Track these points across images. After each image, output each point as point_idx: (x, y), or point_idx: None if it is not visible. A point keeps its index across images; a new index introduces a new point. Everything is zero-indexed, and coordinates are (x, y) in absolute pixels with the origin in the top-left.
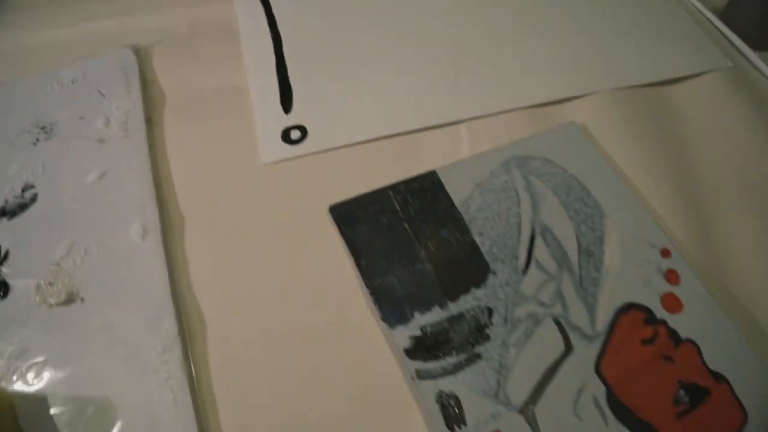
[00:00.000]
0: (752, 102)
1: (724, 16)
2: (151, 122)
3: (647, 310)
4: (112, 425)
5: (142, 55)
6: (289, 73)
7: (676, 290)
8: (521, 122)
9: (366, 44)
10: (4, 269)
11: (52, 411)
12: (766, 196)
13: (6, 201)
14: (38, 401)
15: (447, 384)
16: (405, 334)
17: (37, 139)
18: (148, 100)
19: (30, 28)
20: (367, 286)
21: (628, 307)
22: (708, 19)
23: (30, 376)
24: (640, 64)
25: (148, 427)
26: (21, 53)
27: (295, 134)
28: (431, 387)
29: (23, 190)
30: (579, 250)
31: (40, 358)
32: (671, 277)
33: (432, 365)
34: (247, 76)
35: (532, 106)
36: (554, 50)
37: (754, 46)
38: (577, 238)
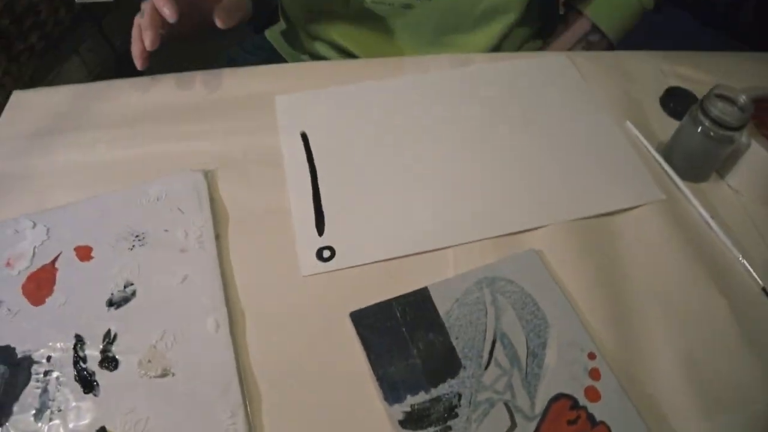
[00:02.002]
0: (679, 229)
1: (665, 152)
2: (219, 237)
3: (573, 399)
4: None
5: (209, 178)
6: (322, 202)
7: (597, 384)
8: (493, 248)
9: (382, 181)
10: (114, 348)
11: None
12: (680, 315)
13: (112, 294)
14: None
15: None
16: (399, 410)
17: (133, 245)
18: (215, 217)
19: (115, 145)
20: (375, 374)
21: (559, 396)
22: (652, 155)
23: (138, 428)
24: (590, 198)
25: None
26: (108, 166)
27: (326, 253)
28: None
29: (125, 286)
30: (527, 353)
31: (144, 416)
32: (594, 374)
33: None
34: (290, 200)
35: (502, 236)
36: (522, 188)
37: (685, 178)
38: (526, 343)
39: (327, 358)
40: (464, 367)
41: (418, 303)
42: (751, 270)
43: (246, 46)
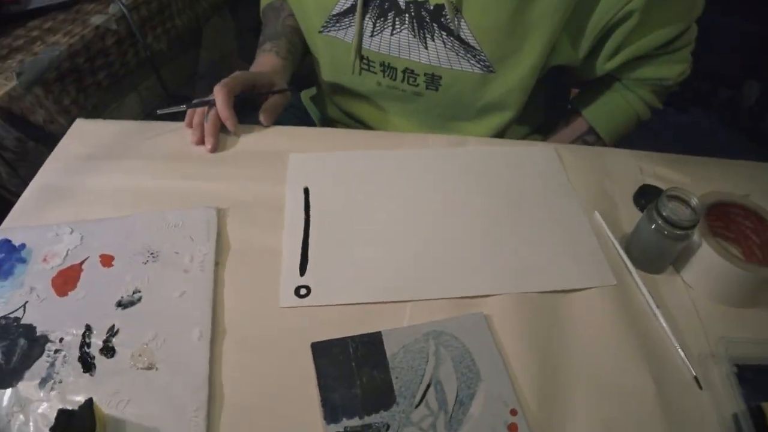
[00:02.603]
0: (624, 313)
1: (626, 243)
2: (218, 264)
3: None
4: None
5: (220, 215)
6: (309, 248)
7: None
8: (448, 307)
9: (363, 236)
10: (114, 339)
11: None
12: (607, 390)
13: (122, 297)
14: (119, 424)
15: None
16: (334, 429)
17: (147, 260)
18: (219, 247)
19: (149, 176)
20: (321, 396)
21: None
22: (613, 245)
23: (119, 407)
24: (545, 274)
25: None
26: (140, 192)
27: (303, 291)
28: None
29: (134, 292)
30: (456, 400)
31: (126, 398)
32: (512, 428)
33: None
34: (282, 242)
35: (458, 297)
36: (484, 258)
37: (639, 267)
38: (457, 391)
39: (286, 377)
40: (397, 403)
41: (370, 343)
42: (686, 359)
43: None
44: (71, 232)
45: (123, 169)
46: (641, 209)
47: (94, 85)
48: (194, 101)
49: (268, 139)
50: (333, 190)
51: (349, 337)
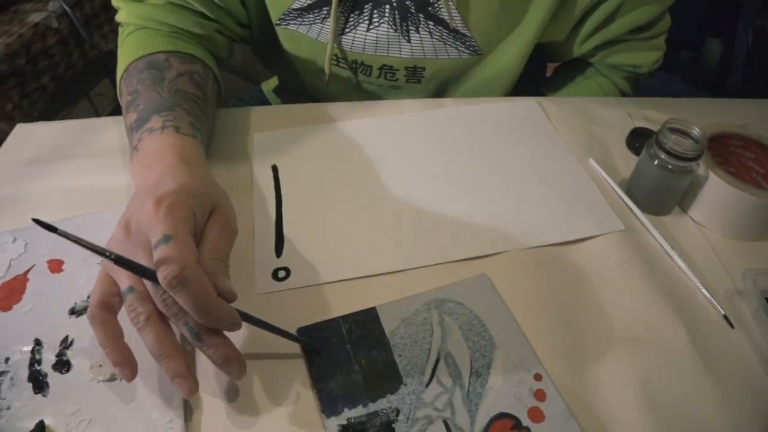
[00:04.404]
0: (638, 259)
1: (627, 187)
2: None
3: (515, 419)
4: None
5: None
6: (284, 227)
7: (541, 405)
8: (446, 272)
9: (343, 209)
10: (69, 352)
11: None
12: (637, 342)
13: (75, 303)
14: None
15: None
16: (335, 423)
17: (102, 261)
18: None
19: (100, 174)
20: (314, 387)
21: (501, 416)
22: (614, 190)
23: (80, 428)
24: (547, 228)
25: None
26: (92, 192)
27: (281, 273)
28: None
29: (88, 296)
30: (471, 372)
31: (87, 416)
32: (539, 395)
33: None
34: (254, 224)
35: (456, 261)
36: (479, 218)
37: (644, 210)
38: (470, 362)
39: (273, 372)
40: (405, 384)
41: (365, 321)
42: (712, 299)
43: (244, 97)
44: (14, 240)
45: (74, 170)
46: (636, 152)
47: (39, 89)
48: (112, 255)
49: (229, 122)
50: (304, 165)
51: (340, 317)
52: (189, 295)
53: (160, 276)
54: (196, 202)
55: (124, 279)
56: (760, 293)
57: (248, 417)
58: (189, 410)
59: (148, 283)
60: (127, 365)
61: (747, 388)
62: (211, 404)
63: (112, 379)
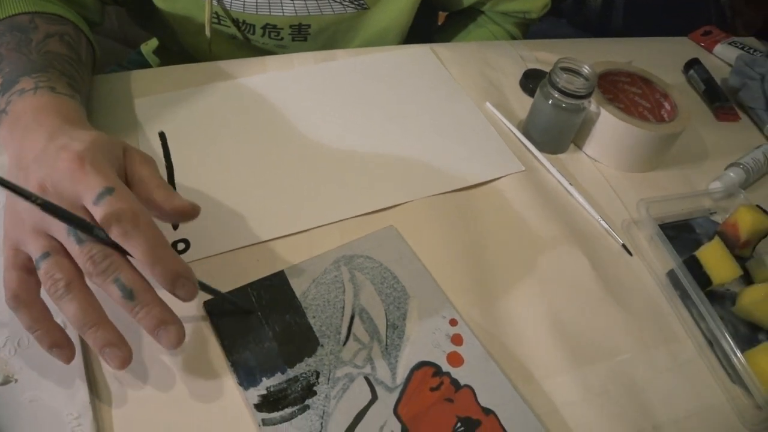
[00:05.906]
0: (539, 197)
1: (524, 128)
2: None
3: (435, 366)
4: None
5: None
6: None
7: (459, 350)
8: (352, 227)
9: (239, 173)
10: None
11: None
12: (543, 277)
13: None
14: None
15: (284, 428)
16: (254, 394)
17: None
18: None
19: None
20: (228, 360)
21: (421, 365)
22: (511, 132)
23: None
24: (449, 174)
25: None
26: None
27: (180, 246)
28: (273, 431)
29: None
30: (387, 325)
31: None
32: (456, 340)
33: (273, 415)
34: None
35: (361, 215)
36: (380, 170)
37: (542, 150)
38: (386, 316)
39: (182, 352)
40: (322, 345)
41: (274, 286)
42: (610, 229)
43: (122, 62)
44: None
45: None
46: (530, 94)
47: None
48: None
49: (108, 89)
50: (194, 129)
51: (247, 284)
52: (147, 242)
53: (116, 226)
54: (110, 153)
55: (37, 246)
56: (653, 221)
57: (163, 402)
58: (97, 404)
59: (70, 241)
60: (65, 345)
61: (647, 309)
62: (120, 394)
63: (5, 382)
